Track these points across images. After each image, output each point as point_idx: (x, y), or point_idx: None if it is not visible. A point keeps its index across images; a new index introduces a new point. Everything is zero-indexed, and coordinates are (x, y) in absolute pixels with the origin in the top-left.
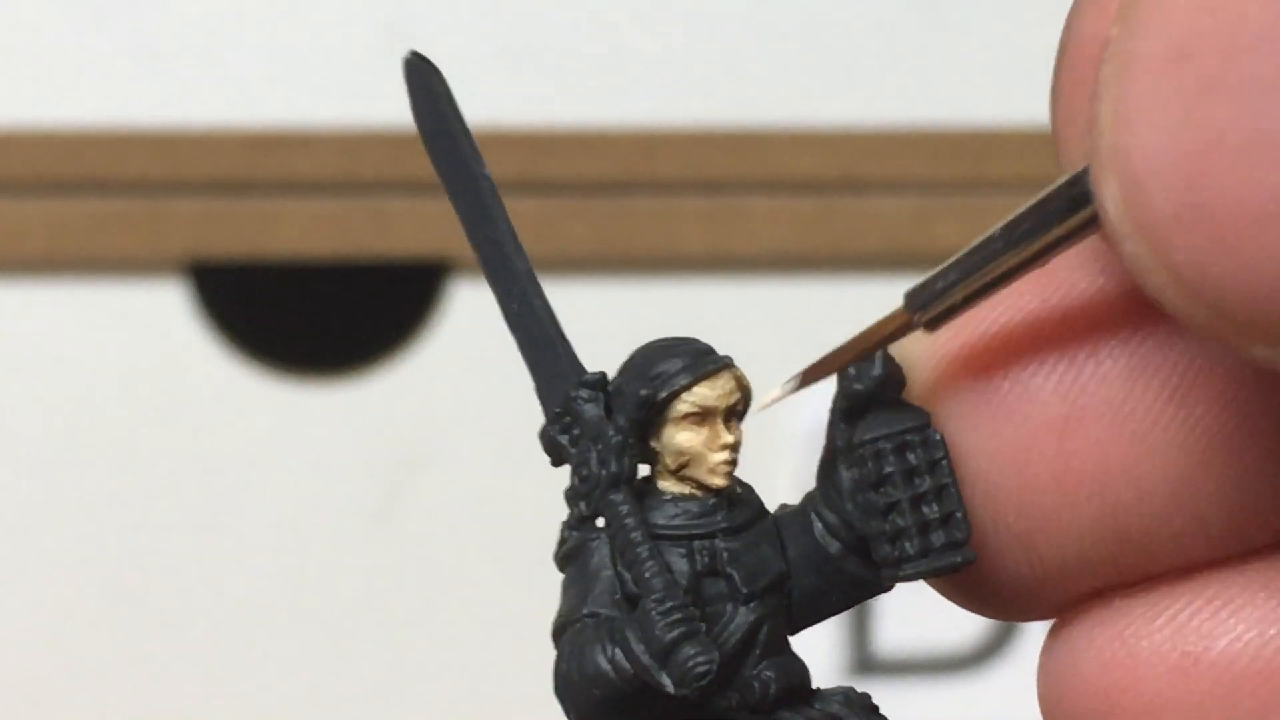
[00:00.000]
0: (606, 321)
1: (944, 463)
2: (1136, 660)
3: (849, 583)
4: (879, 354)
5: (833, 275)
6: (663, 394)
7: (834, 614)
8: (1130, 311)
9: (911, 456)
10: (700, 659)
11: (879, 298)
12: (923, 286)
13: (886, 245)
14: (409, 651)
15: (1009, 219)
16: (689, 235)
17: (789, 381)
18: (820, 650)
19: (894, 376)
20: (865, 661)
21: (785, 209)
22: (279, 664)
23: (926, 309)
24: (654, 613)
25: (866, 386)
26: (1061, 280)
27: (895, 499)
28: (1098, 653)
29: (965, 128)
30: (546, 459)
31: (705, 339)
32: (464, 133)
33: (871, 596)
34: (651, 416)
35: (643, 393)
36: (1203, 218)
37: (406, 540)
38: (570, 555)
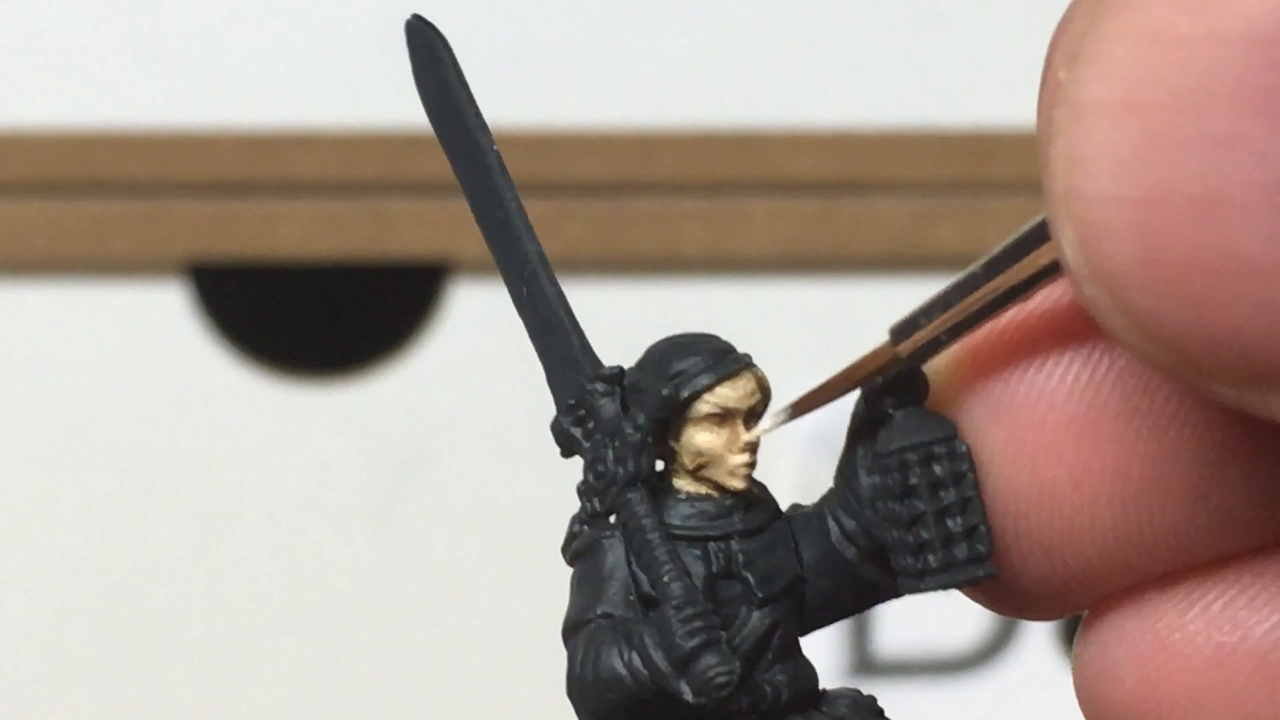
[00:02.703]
0: (606, 322)
1: (969, 475)
2: (1171, 653)
3: (863, 588)
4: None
5: (833, 276)
6: (685, 393)
7: (845, 618)
8: None
9: (938, 468)
10: (720, 669)
11: (879, 298)
12: (907, 321)
13: (886, 246)
14: (409, 651)
15: (989, 256)
16: (689, 235)
17: (779, 413)
18: (821, 651)
19: (918, 384)
20: (865, 662)
21: (785, 209)
22: (279, 663)
23: (911, 343)
24: (674, 620)
25: (899, 400)
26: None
27: (920, 511)
28: (1131, 646)
29: (965, 128)
30: (555, 450)
31: None
32: (470, 103)
33: (883, 602)
34: (671, 415)
35: (665, 392)
36: (1156, 267)
37: (406, 540)
38: (581, 552)
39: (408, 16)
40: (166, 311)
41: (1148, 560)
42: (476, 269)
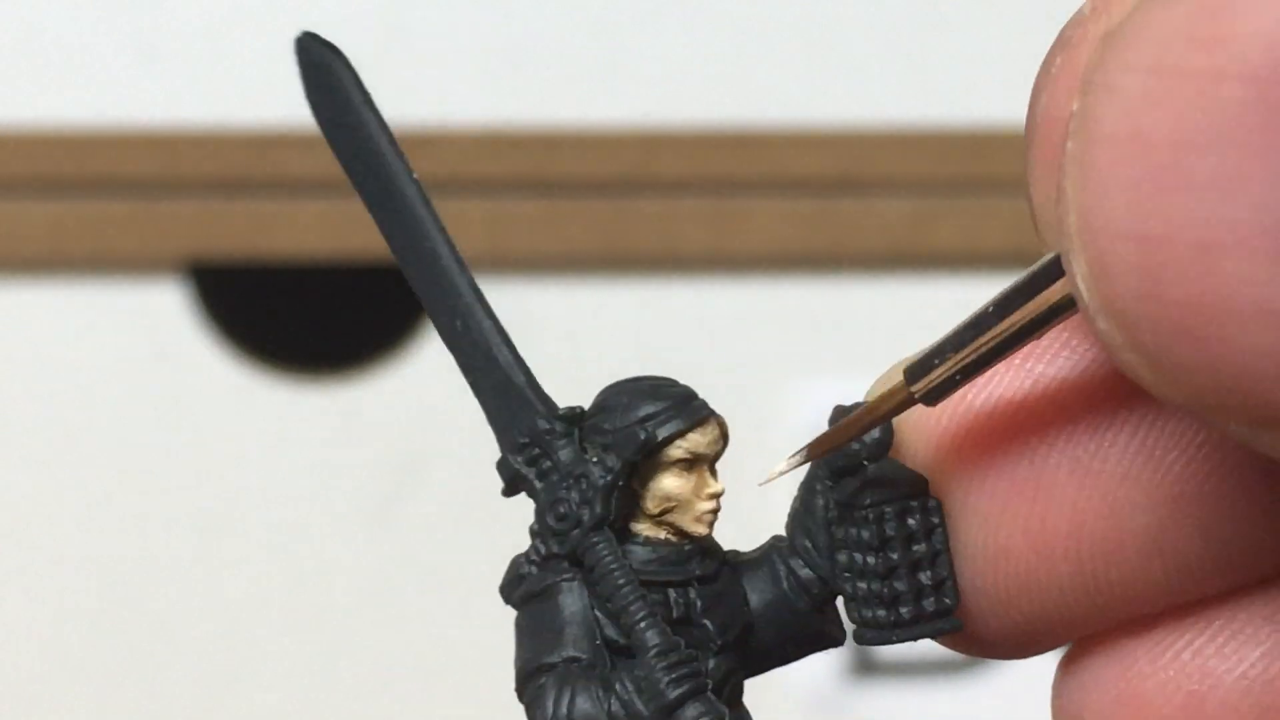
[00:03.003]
0: (606, 321)
1: (940, 530)
2: (1143, 700)
3: (809, 637)
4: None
5: (833, 275)
6: (662, 437)
7: (783, 665)
8: (1097, 375)
9: (912, 521)
10: (708, 718)
11: (879, 298)
12: (921, 362)
13: (886, 245)
14: (408, 651)
15: (1000, 295)
16: (689, 235)
17: (794, 455)
18: (822, 652)
19: (886, 438)
20: (865, 663)
21: (785, 209)
22: (279, 664)
23: (925, 383)
24: (657, 667)
25: (871, 452)
26: (1032, 347)
27: (895, 563)
28: (1104, 692)
29: (965, 128)
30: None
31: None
32: (379, 127)
33: (823, 650)
34: (642, 459)
35: (642, 435)
36: (1164, 305)
37: (406, 540)
38: (533, 594)
39: (297, 35)
40: (166, 311)
41: (1105, 612)
42: (475, 268)
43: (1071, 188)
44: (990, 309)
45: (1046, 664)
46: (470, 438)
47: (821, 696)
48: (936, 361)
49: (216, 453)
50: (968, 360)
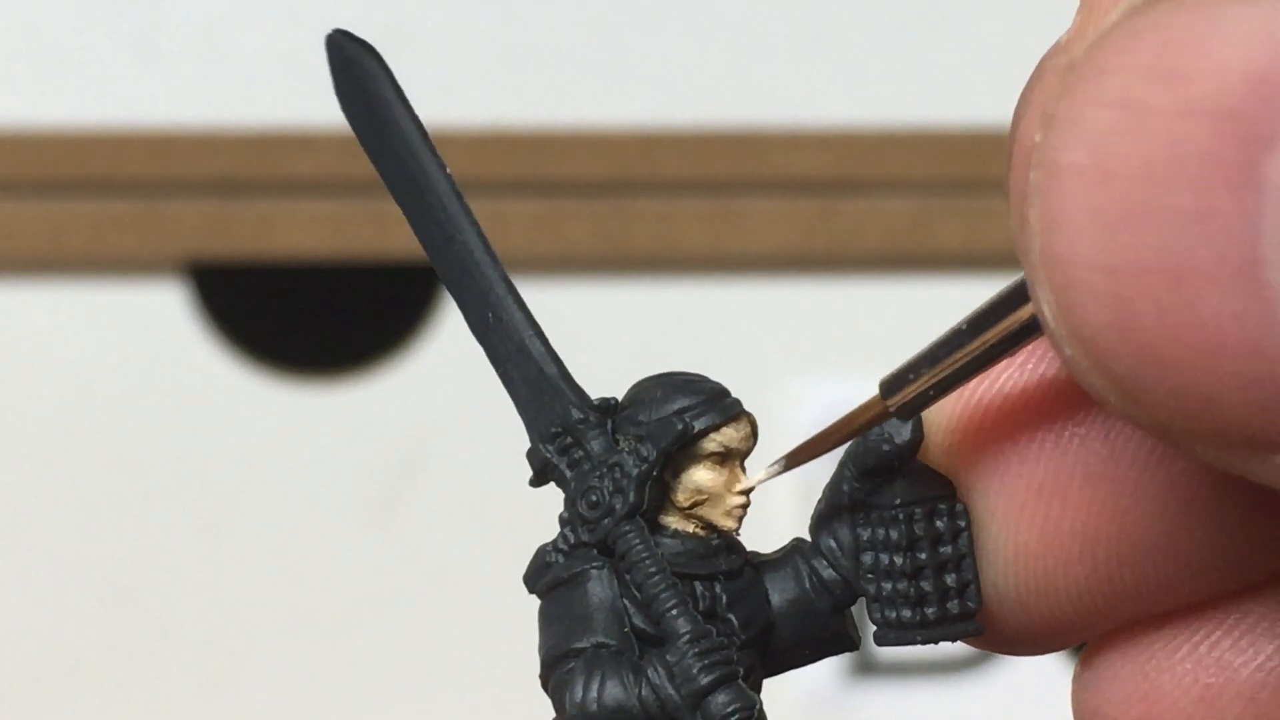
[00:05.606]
0: (606, 321)
1: (966, 533)
2: (1160, 693)
3: (827, 639)
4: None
5: (833, 275)
6: (699, 428)
7: (799, 667)
8: None
9: (939, 523)
10: (738, 707)
11: (879, 298)
12: (896, 376)
13: (886, 245)
14: (409, 651)
15: (975, 313)
16: (689, 235)
17: (774, 464)
18: None
19: (916, 438)
20: (866, 663)
21: (785, 209)
22: (279, 664)
23: (900, 397)
24: (689, 654)
25: (897, 449)
26: (1045, 350)
27: (923, 563)
28: (1122, 686)
29: (965, 128)
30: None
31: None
32: (411, 123)
33: (840, 653)
34: (677, 450)
35: (679, 426)
36: (1133, 334)
37: (406, 540)
38: (560, 581)
39: (329, 33)
40: (166, 311)
41: (1121, 611)
42: None
43: (1035, 217)
44: (964, 326)
45: (1046, 665)
46: (470, 438)
47: (821, 696)
48: (911, 376)
49: (217, 453)
50: (942, 376)
